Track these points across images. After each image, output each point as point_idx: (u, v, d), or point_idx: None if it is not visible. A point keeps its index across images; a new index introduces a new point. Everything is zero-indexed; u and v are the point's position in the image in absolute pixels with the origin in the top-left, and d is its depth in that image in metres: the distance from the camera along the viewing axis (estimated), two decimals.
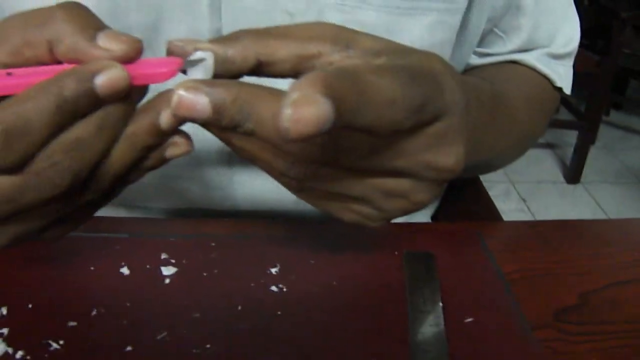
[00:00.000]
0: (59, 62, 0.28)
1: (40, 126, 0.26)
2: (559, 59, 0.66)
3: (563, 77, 0.65)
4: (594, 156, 2.56)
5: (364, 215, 0.34)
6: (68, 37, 0.27)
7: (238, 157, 0.55)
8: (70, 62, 0.28)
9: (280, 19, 0.49)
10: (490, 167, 0.66)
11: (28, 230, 0.30)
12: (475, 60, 0.67)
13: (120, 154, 0.29)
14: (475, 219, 0.79)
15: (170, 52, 0.30)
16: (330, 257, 0.51)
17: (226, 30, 0.49)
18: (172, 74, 0.28)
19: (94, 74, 0.26)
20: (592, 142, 2.52)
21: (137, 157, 0.30)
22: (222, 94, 0.27)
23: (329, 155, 0.29)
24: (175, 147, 0.31)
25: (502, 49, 0.65)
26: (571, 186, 2.47)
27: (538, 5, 0.62)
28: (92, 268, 0.47)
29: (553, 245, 0.56)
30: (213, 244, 0.51)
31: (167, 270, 0.47)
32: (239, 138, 0.30)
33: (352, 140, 0.29)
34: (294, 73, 0.31)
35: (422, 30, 0.52)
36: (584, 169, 2.46)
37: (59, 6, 0.28)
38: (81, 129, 0.27)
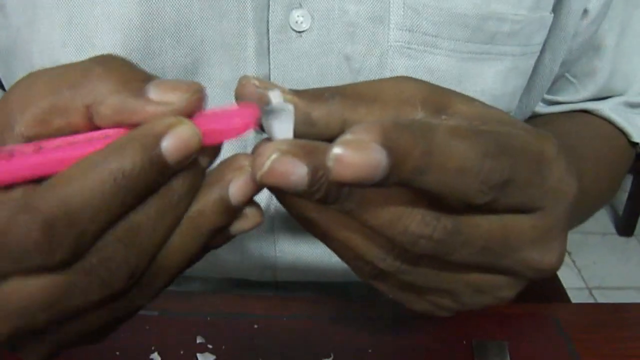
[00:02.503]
0: (96, 129, 0.24)
1: (92, 214, 0.22)
2: (636, 108, 0.64)
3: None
4: None
5: (439, 306, 0.32)
6: (111, 97, 0.24)
7: (282, 222, 0.52)
8: (116, 126, 0.24)
9: (335, 64, 0.47)
10: None
11: (66, 342, 0.26)
12: (543, 109, 0.64)
13: (182, 241, 0.25)
14: (537, 290, 0.76)
15: (243, 92, 0.26)
16: (389, 346, 0.48)
17: (274, 77, 0.47)
18: (247, 128, 0.24)
19: (159, 136, 0.23)
20: None
21: (202, 244, 0.26)
22: (325, 165, 0.23)
23: (445, 251, 0.26)
24: (244, 221, 0.27)
25: (574, 96, 0.63)
26: (623, 239, 2.40)
27: (619, 46, 0.59)
28: (117, 353, 0.44)
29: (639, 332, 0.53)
30: (256, 326, 0.48)
31: (203, 358, 0.45)
32: (319, 211, 0.26)
33: (467, 236, 0.26)
34: None
35: (496, 78, 0.50)
36: (639, 219, 2.39)
37: (94, 61, 0.25)
38: (140, 213, 0.23)
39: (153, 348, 0.45)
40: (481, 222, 0.26)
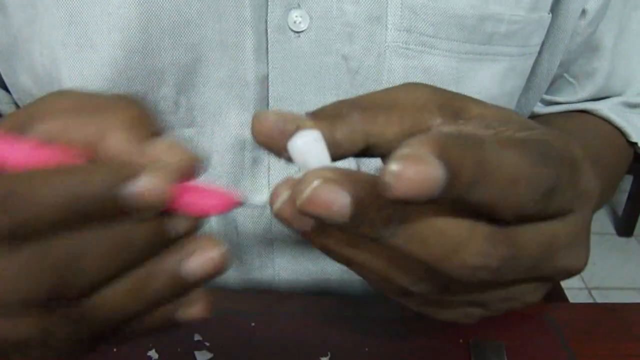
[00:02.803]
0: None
1: (39, 220, 0.22)
2: (634, 108, 0.63)
3: (639, 129, 0.63)
4: None
5: (466, 315, 0.31)
6: (114, 134, 0.24)
7: (282, 242, 0.53)
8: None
9: (333, 64, 0.47)
10: None
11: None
12: (541, 109, 0.64)
13: (121, 295, 0.24)
14: None
15: (261, 129, 0.26)
16: (386, 345, 0.48)
17: (273, 76, 0.47)
18: (223, 211, 0.24)
19: (128, 177, 0.22)
20: None
21: (140, 308, 0.25)
22: (370, 195, 0.22)
23: (499, 276, 0.25)
24: (190, 307, 0.26)
25: (573, 97, 0.63)
26: (623, 239, 2.40)
27: (617, 46, 0.59)
28: (114, 350, 0.44)
29: (637, 332, 0.53)
30: (253, 324, 0.48)
31: (201, 356, 0.45)
32: (351, 245, 0.26)
33: (522, 259, 0.25)
34: None
35: (493, 78, 0.50)
36: (639, 219, 2.38)
37: (118, 96, 0.26)
38: (82, 240, 0.23)
39: (151, 345, 0.45)
40: (532, 242, 0.26)
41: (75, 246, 0.23)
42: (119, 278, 0.24)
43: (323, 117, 0.27)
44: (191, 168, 0.24)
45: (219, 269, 0.25)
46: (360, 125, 0.27)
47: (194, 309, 0.26)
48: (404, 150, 0.21)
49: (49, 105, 0.26)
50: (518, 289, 0.29)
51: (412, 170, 0.20)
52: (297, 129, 0.25)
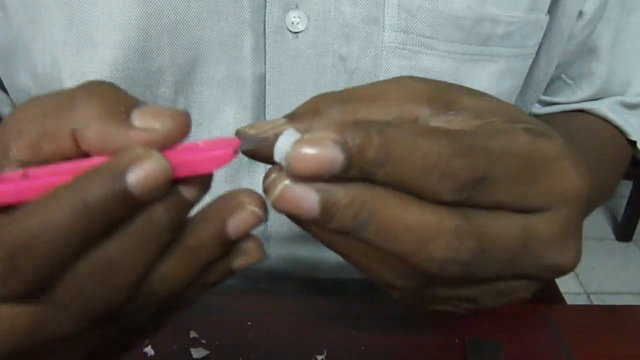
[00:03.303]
0: (87, 155, 0.24)
1: (54, 245, 0.22)
2: (632, 109, 0.64)
3: (636, 129, 0.63)
4: None
5: (460, 308, 0.31)
6: (94, 123, 0.24)
7: (277, 226, 0.53)
8: (101, 153, 0.24)
9: (331, 65, 0.47)
10: None
11: None
12: (539, 110, 0.65)
13: (176, 272, 0.25)
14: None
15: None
16: (383, 344, 0.48)
17: (270, 76, 0.47)
18: (227, 159, 0.24)
19: (124, 169, 0.22)
20: None
21: (196, 275, 0.26)
22: (337, 193, 0.23)
23: (472, 271, 0.26)
24: (245, 256, 0.27)
25: (570, 97, 0.63)
26: (622, 244, 2.40)
27: (614, 48, 0.59)
28: None
29: (633, 333, 0.53)
30: (249, 323, 0.48)
31: (197, 353, 0.45)
32: (332, 238, 0.26)
33: (494, 253, 0.26)
34: None
35: (490, 79, 0.51)
36: (638, 224, 2.38)
37: (81, 87, 0.25)
38: (112, 246, 0.23)
39: (147, 342, 0.45)
40: (505, 235, 0.26)
41: (107, 253, 0.23)
42: (166, 256, 0.25)
43: (299, 116, 0.27)
44: (183, 125, 0.24)
45: (261, 219, 0.26)
46: (339, 118, 0.27)
47: (248, 256, 0.27)
48: (306, 136, 0.23)
49: (18, 119, 0.25)
50: (506, 287, 0.29)
51: (307, 151, 0.23)
52: (274, 135, 0.25)
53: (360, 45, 0.47)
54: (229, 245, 0.26)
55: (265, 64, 0.47)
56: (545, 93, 0.63)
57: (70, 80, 0.45)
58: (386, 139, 0.23)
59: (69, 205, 0.22)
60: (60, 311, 0.23)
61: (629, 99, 0.63)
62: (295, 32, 0.46)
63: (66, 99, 0.24)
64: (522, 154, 0.26)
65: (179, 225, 0.25)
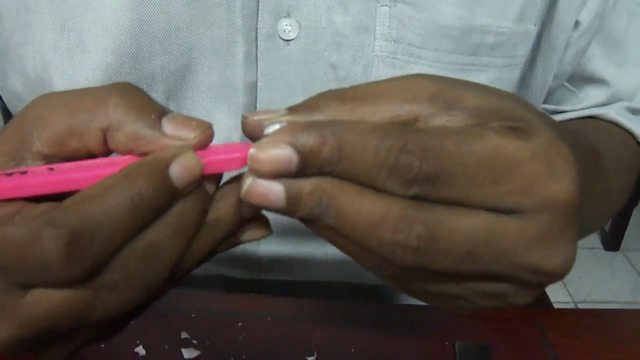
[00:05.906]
0: (105, 154, 0.27)
1: (111, 231, 0.24)
2: (638, 114, 0.65)
3: None
4: (637, 220, 2.50)
5: (458, 306, 0.32)
6: (129, 125, 0.26)
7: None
8: (127, 153, 0.27)
9: (322, 72, 0.48)
10: None
11: (85, 343, 0.28)
12: None
13: (197, 248, 0.28)
14: None
15: (246, 130, 0.28)
16: (373, 346, 0.48)
17: (262, 83, 0.48)
18: (244, 161, 0.27)
19: (167, 163, 0.25)
20: (635, 203, 2.46)
21: (212, 249, 0.29)
22: (299, 184, 0.26)
23: (427, 259, 0.27)
24: (254, 231, 0.30)
25: (577, 105, 0.64)
26: (610, 254, 2.42)
27: (619, 55, 0.61)
28: (102, 346, 0.45)
29: (620, 337, 0.54)
30: (240, 324, 0.48)
31: (188, 353, 0.45)
32: (320, 228, 0.28)
33: (447, 242, 0.26)
34: None
35: None
36: (625, 234, 2.41)
37: (113, 88, 0.27)
38: (156, 232, 0.26)
39: (138, 342, 0.45)
40: (459, 226, 0.26)
41: (152, 238, 0.26)
42: (193, 240, 0.28)
43: (299, 109, 0.28)
44: (208, 136, 0.27)
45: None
46: (337, 116, 0.28)
47: (257, 231, 0.30)
48: (264, 139, 0.25)
49: (42, 113, 0.27)
50: (492, 288, 0.29)
51: (263, 154, 0.25)
52: (272, 122, 0.27)
53: (351, 54, 0.48)
54: (243, 222, 0.29)
55: (257, 71, 0.48)
56: (550, 103, 0.64)
57: (60, 85, 0.46)
58: (338, 138, 0.25)
59: (125, 195, 0.24)
60: (111, 292, 0.25)
61: (636, 104, 0.64)
62: (287, 40, 0.47)
63: (98, 99, 0.26)
64: (485, 155, 0.26)
65: (205, 214, 0.28)
